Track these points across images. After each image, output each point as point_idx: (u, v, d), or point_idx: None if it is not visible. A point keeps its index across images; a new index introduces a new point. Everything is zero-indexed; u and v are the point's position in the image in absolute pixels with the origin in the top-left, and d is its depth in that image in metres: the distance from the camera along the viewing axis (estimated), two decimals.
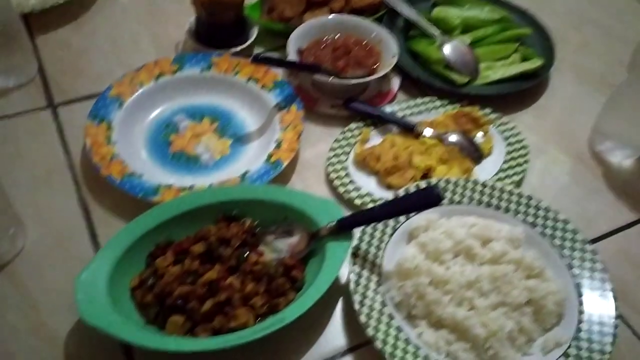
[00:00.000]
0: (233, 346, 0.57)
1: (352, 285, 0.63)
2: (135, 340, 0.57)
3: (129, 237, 0.65)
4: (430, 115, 0.86)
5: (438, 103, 0.87)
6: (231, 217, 0.69)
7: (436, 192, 0.63)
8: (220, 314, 0.61)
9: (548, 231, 0.69)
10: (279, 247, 0.67)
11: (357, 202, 0.74)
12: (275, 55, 0.93)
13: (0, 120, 0.84)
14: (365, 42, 0.91)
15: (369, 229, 0.68)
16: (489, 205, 0.72)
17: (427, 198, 0.63)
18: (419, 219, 0.69)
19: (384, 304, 0.63)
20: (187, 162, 0.79)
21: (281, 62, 0.86)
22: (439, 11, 0.98)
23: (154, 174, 0.76)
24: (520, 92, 0.89)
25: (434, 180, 0.73)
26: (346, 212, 0.72)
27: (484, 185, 0.73)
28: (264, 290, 0.63)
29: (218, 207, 0.69)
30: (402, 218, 0.70)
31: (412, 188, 0.72)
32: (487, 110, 0.86)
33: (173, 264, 0.64)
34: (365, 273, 0.65)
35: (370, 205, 0.74)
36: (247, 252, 0.65)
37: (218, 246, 0.65)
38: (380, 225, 0.69)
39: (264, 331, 0.58)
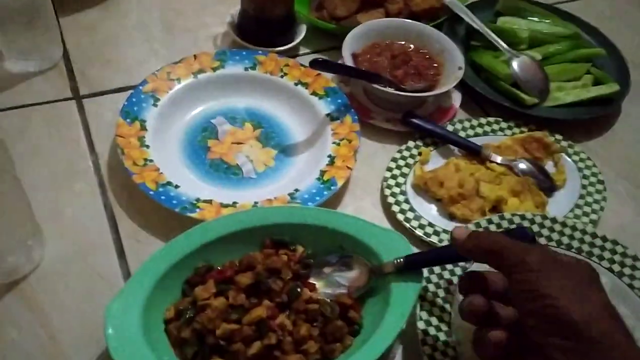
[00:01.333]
0: None
1: (420, 335, 0.55)
2: None
3: (165, 261, 0.56)
4: (496, 138, 0.77)
5: (504, 125, 0.79)
6: (280, 243, 0.60)
7: (530, 235, 0.54)
8: (268, 359, 0.53)
9: (637, 284, 0.61)
10: (336, 281, 0.59)
11: (419, 232, 0.66)
12: (326, 58, 0.85)
13: (18, 109, 0.75)
14: (425, 50, 0.83)
15: (436, 268, 0.60)
16: (569, 247, 0.64)
17: (517, 238, 0.52)
18: None
19: None
20: (227, 172, 0.71)
21: (341, 68, 0.77)
22: (504, 21, 0.90)
23: (191, 184, 0.67)
24: (590, 120, 0.81)
25: (507, 215, 0.65)
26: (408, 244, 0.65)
27: (563, 224, 0.65)
28: (318, 334, 0.55)
29: (265, 230, 0.60)
30: None
31: (483, 222, 0.64)
32: (558, 137, 0.78)
33: (215, 295, 0.56)
34: (434, 320, 0.57)
35: (433, 238, 0.66)
36: (300, 288, 0.57)
37: (267, 277, 0.57)
38: (449, 265, 0.61)
39: None
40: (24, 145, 0.71)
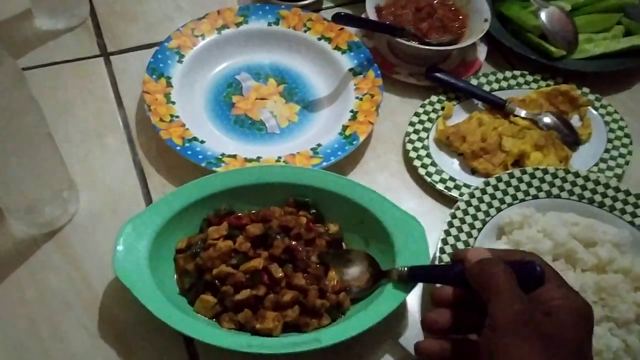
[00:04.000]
0: (255, 353, 0.52)
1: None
2: (159, 313, 0.52)
3: (189, 195, 0.60)
4: (521, 91, 0.77)
5: (530, 78, 0.78)
6: (302, 204, 0.61)
7: (538, 273, 0.46)
8: (251, 308, 0.55)
9: None
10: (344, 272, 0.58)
11: (440, 186, 0.67)
12: (349, 12, 0.84)
13: (48, 66, 0.77)
14: (451, 2, 0.81)
15: (456, 221, 0.61)
16: (591, 201, 0.64)
17: (525, 277, 0.46)
18: (511, 213, 0.62)
19: None
20: (251, 127, 0.72)
21: (364, 22, 0.77)
22: None
23: (216, 139, 0.69)
24: (619, 72, 0.79)
25: (529, 169, 0.65)
26: (425, 204, 0.66)
27: (586, 178, 0.65)
28: (300, 304, 0.56)
29: (290, 189, 0.61)
30: (492, 211, 0.63)
31: (504, 176, 0.65)
32: (585, 90, 0.77)
33: (224, 237, 0.58)
34: None
35: (454, 192, 0.66)
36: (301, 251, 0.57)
37: (277, 233, 0.58)
38: (468, 218, 0.62)
39: (294, 347, 0.52)
40: (55, 101, 0.73)
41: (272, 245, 0.57)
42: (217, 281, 0.56)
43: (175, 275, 0.58)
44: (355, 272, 0.57)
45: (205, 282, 0.56)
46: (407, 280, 0.54)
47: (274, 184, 0.61)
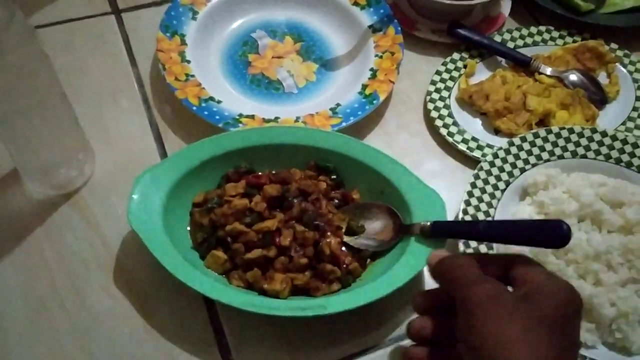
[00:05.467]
0: (258, 313, 0.51)
1: (461, 248, 0.56)
2: (167, 263, 0.52)
3: (209, 150, 0.59)
4: (546, 48, 0.74)
5: (556, 34, 0.75)
6: (323, 169, 0.60)
7: (563, 232, 0.45)
8: (260, 268, 0.54)
9: None
10: (360, 226, 0.57)
11: (462, 147, 0.65)
12: None
13: (59, 24, 0.75)
14: None
15: (479, 182, 0.60)
16: (618, 161, 0.62)
17: (549, 235, 0.46)
18: (536, 174, 0.61)
19: None
20: (268, 87, 0.70)
21: None
22: None
23: (233, 99, 0.67)
24: None
25: (555, 129, 0.63)
26: (447, 165, 0.64)
27: (613, 137, 0.63)
28: (310, 268, 0.55)
29: (312, 152, 0.60)
30: (516, 171, 0.61)
31: (529, 136, 0.63)
32: (614, 46, 0.74)
33: (241, 195, 0.57)
34: None
35: (477, 153, 0.65)
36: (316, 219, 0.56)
37: (294, 196, 0.57)
38: (492, 179, 0.60)
39: (298, 312, 0.51)
40: (68, 61, 0.71)
41: (291, 208, 0.56)
42: (229, 238, 0.55)
43: (187, 228, 0.57)
44: (377, 225, 0.56)
45: (217, 238, 0.56)
46: (430, 235, 0.53)
47: (297, 146, 0.60)
